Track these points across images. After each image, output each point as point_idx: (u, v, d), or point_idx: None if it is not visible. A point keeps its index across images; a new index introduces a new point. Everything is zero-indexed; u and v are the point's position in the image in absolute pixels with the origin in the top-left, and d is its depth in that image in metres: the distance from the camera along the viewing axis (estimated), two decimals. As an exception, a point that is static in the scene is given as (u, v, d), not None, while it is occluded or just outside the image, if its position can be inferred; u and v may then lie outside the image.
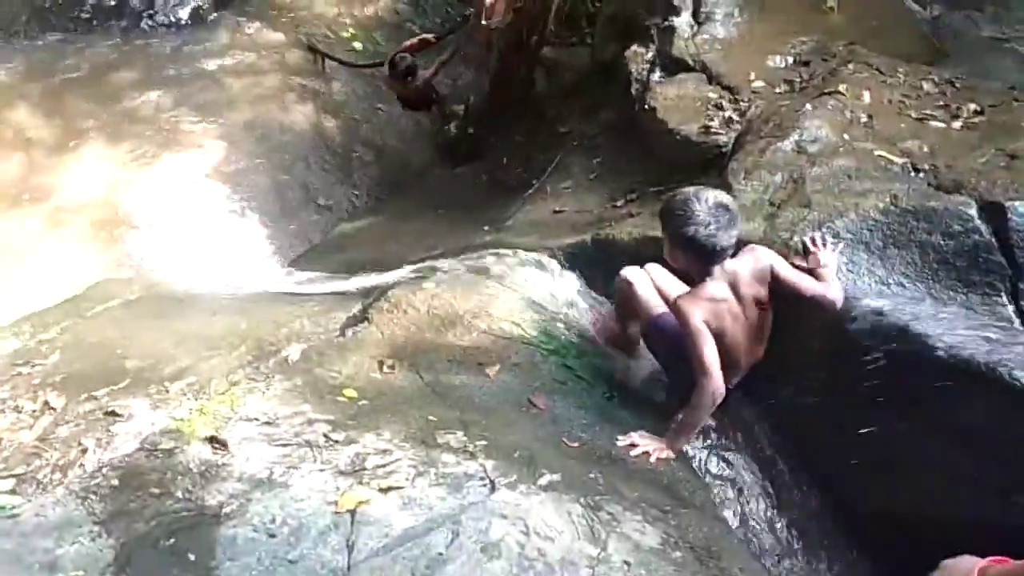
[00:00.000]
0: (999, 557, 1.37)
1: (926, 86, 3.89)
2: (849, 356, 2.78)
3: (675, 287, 2.94)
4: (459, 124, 6.84)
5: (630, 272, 3.03)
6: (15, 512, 2.09)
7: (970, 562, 1.38)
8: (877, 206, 3.03)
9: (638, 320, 3.08)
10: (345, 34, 7.79)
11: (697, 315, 2.66)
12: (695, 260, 2.72)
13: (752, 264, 2.78)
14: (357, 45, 7.75)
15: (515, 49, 6.02)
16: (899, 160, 3.28)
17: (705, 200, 2.63)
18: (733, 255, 2.76)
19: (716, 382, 2.61)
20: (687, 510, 2.33)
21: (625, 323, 3.18)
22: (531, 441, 2.52)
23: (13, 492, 2.40)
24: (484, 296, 3.41)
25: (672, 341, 2.85)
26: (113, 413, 2.68)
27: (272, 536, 1.96)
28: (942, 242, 2.91)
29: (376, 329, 3.16)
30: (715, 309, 2.70)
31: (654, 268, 3.03)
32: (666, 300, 2.91)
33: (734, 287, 2.74)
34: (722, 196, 2.71)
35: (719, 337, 2.68)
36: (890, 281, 2.94)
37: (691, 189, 2.72)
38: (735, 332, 2.75)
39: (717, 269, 2.72)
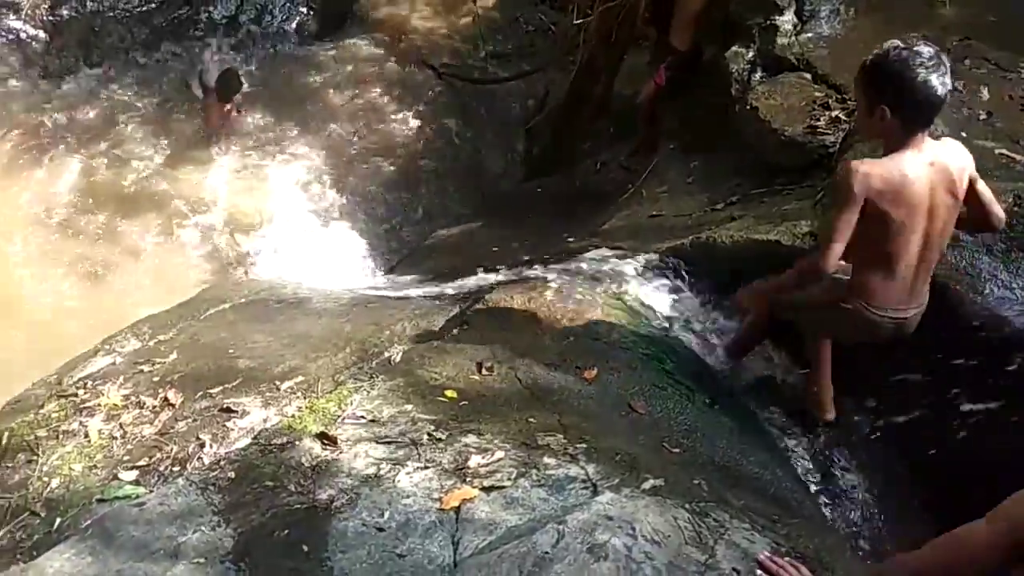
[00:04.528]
0: None
1: (1050, 82, 3.69)
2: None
3: None
4: (547, 132, 6.85)
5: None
6: (140, 501, 2.20)
7: None
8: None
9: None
10: (443, 44, 7.94)
11: (861, 183, 2.15)
12: (899, 120, 2.23)
13: (956, 153, 2.27)
14: (457, 53, 7.87)
15: (601, 50, 5.98)
16: (1022, 159, 3.11)
17: (926, 46, 2.21)
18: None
19: (828, 262, 2.15)
20: (796, 520, 2.26)
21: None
22: (632, 445, 2.49)
23: (137, 483, 2.56)
24: (581, 300, 3.40)
25: None
26: (228, 410, 2.81)
27: (381, 530, 2.00)
28: (1071, 245, 2.75)
29: (475, 331, 3.19)
30: (892, 187, 2.15)
31: None
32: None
33: (930, 171, 2.19)
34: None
35: (882, 223, 2.15)
36: (1014, 286, 2.78)
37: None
38: (908, 227, 2.20)
39: (917, 140, 2.21)
